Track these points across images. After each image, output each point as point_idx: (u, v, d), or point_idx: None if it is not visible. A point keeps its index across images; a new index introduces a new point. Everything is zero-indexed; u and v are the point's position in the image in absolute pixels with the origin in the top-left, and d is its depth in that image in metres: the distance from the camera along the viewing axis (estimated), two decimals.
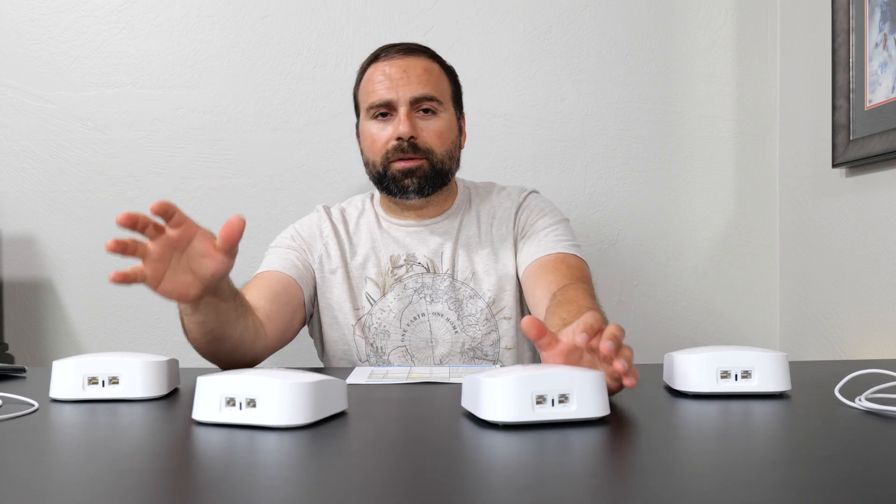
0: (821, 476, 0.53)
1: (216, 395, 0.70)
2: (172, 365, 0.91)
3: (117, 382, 0.84)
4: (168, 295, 0.91)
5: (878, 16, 1.45)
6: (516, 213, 1.32)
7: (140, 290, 1.79)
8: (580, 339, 0.73)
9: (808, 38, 1.72)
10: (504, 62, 1.82)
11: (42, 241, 1.79)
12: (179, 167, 1.79)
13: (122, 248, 0.84)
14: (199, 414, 0.71)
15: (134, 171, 1.79)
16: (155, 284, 0.89)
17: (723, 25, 1.85)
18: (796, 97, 1.78)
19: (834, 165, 1.56)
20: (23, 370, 1.06)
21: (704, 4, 1.85)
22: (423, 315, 1.27)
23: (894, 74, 1.40)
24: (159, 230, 0.87)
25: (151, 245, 0.87)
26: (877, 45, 1.45)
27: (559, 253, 1.22)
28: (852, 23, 1.51)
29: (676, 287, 1.87)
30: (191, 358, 1.78)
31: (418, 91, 1.23)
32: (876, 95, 1.45)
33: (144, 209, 1.86)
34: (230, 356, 1.08)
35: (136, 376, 0.85)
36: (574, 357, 0.77)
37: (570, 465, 0.57)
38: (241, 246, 1.81)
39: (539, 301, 1.16)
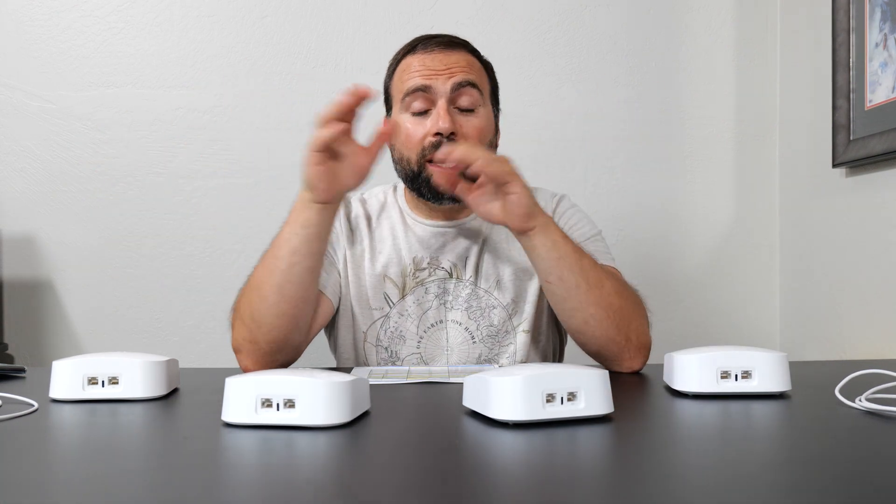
0: (821, 476, 0.53)
1: (251, 397, 0.69)
2: (172, 365, 0.91)
3: (117, 382, 0.84)
4: (318, 176, 1.00)
5: (878, 16, 1.45)
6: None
7: (140, 290, 1.79)
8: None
9: (808, 39, 1.72)
10: (504, 62, 1.82)
11: (42, 241, 1.79)
12: (179, 167, 1.79)
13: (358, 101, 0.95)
14: (230, 415, 0.70)
15: (134, 171, 1.79)
16: (320, 161, 0.99)
17: (723, 25, 1.85)
18: (796, 97, 1.78)
19: (834, 165, 1.56)
20: (23, 370, 1.06)
21: (704, 4, 1.85)
22: (440, 322, 1.22)
23: (894, 74, 1.40)
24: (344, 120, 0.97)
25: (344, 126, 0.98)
26: (877, 45, 1.45)
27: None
28: (852, 23, 1.51)
29: (676, 287, 1.87)
30: (191, 358, 1.79)
31: (458, 77, 1.16)
32: (876, 95, 1.45)
33: (144, 209, 1.86)
34: (294, 314, 1.05)
35: (136, 376, 0.84)
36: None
37: (580, 464, 0.57)
38: (241, 246, 1.82)
39: None
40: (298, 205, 1.05)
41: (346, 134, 0.98)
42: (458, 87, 1.17)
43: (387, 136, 1.01)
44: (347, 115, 0.97)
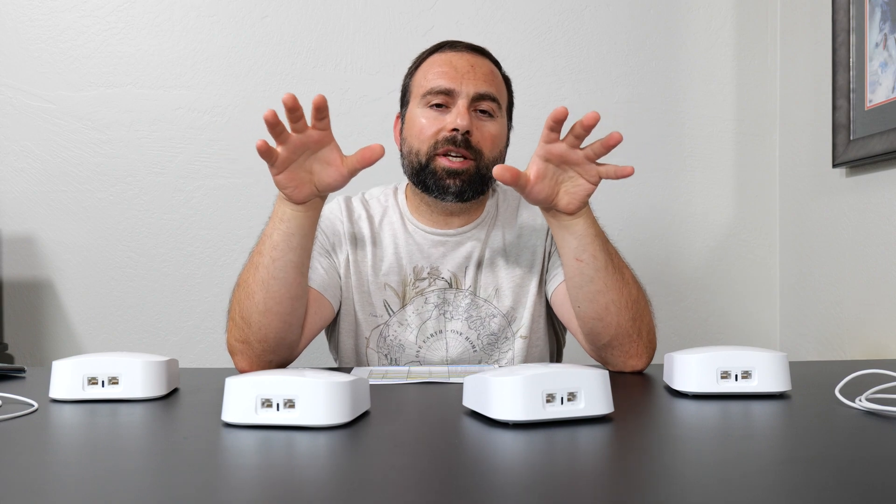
0: (821, 476, 0.53)
1: (251, 397, 0.69)
2: (172, 365, 0.91)
3: (117, 382, 0.84)
4: (284, 183, 0.99)
5: (878, 16, 1.45)
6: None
7: (140, 290, 1.79)
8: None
9: (808, 38, 1.72)
10: (504, 62, 1.82)
11: (42, 241, 1.79)
12: (179, 167, 1.79)
13: (274, 124, 0.92)
14: (230, 415, 0.70)
15: (134, 171, 1.79)
16: (278, 171, 0.98)
17: (723, 25, 1.85)
18: (796, 97, 1.78)
19: (834, 165, 1.56)
20: (22, 370, 1.06)
21: (704, 4, 1.85)
22: (440, 332, 1.22)
23: (894, 74, 1.40)
24: (303, 127, 0.95)
25: (294, 136, 0.96)
26: (877, 45, 1.45)
27: None
28: (852, 23, 1.51)
29: (676, 287, 1.87)
30: (191, 358, 1.79)
31: (483, 88, 1.18)
32: (876, 95, 1.45)
33: (144, 209, 1.86)
34: (282, 312, 1.04)
35: (136, 376, 0.84)
36: (550, 173, 1.04)
37: (580, 464, 0.57)
38: (241, 246, 1.82)
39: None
40: (278, 200, 1.04)
41: (305, 143, 0.97)
42: (480, 98, 1.18)
43: (368, 162, 0.99)
44: (297, 122, 0.94)
